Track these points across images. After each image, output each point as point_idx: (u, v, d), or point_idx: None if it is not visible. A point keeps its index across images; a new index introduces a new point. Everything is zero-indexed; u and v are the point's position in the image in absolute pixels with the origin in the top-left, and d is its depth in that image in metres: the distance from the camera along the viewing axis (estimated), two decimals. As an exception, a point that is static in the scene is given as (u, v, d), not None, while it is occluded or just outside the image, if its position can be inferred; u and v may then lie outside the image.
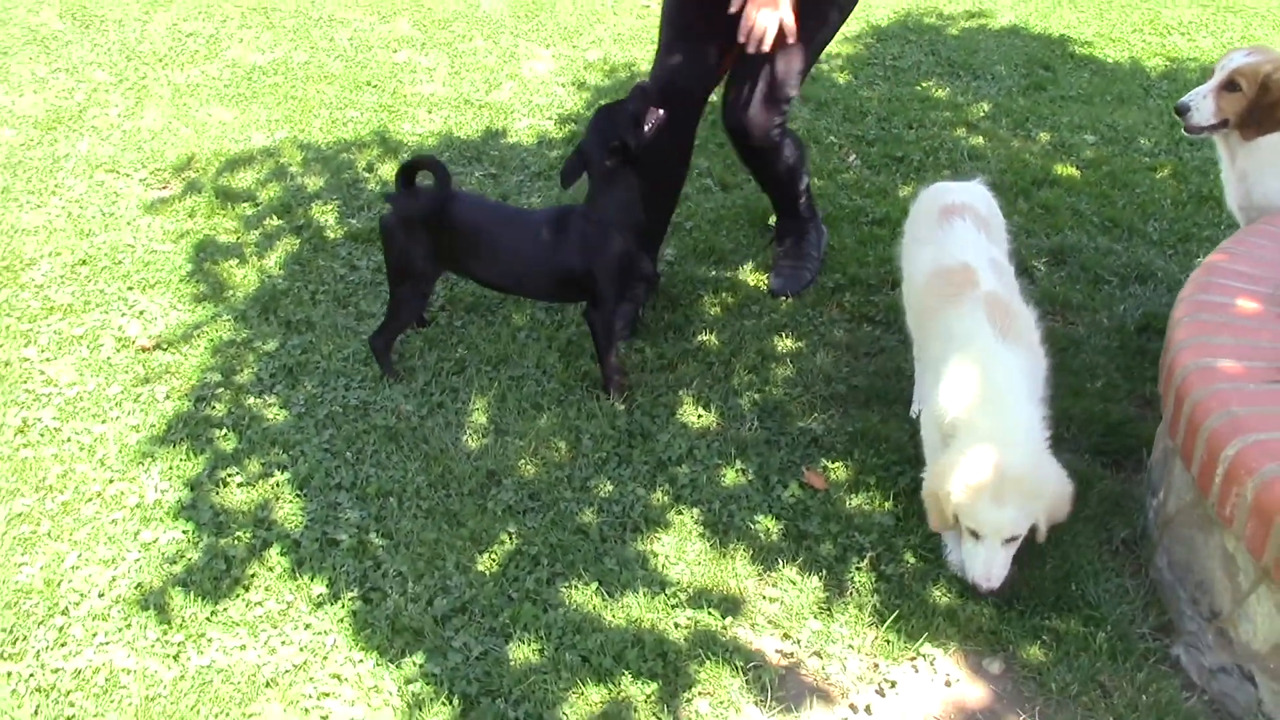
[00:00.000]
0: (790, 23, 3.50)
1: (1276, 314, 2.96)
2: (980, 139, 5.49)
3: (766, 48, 3.50)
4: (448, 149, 5.32)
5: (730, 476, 3.34)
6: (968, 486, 2.71)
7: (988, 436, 2.74)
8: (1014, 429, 2.77)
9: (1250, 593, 2.57)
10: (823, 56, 6.36)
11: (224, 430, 3.55)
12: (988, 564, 2.75)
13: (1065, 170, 5.18)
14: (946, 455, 2.81)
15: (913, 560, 3.04)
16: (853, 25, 6.92)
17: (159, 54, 6.45)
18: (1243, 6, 7.32)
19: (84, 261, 4.42)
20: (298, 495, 3.29)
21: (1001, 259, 3.20)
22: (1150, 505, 3.10)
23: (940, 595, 2.93)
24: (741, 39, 3.50)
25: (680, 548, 3.09)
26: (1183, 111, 3.63)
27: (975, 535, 2.75)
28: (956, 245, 3.14)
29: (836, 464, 3.39)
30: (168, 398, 3.70)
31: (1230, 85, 3.55)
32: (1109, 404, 3.58)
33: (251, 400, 3.68)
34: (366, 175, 5.09)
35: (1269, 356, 2.80)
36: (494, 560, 3.04)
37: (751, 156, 4.01)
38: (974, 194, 3.38)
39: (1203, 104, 3.60)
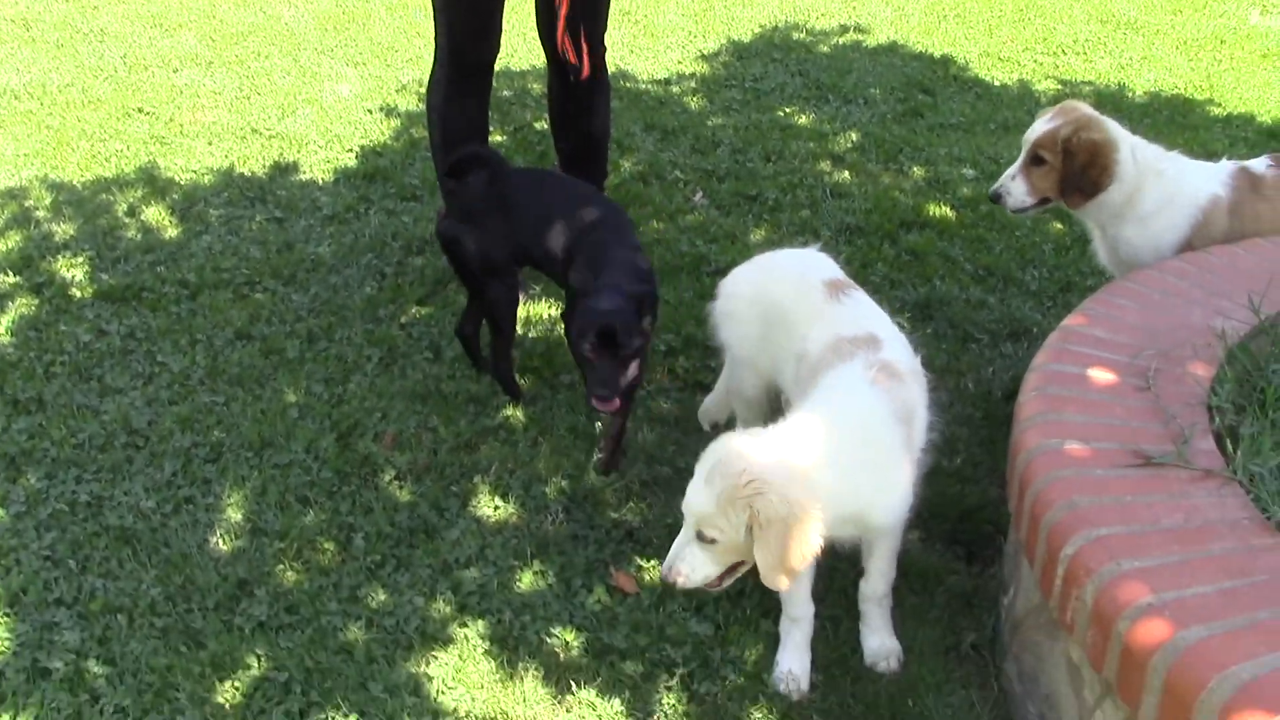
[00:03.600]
0: None
1: (1133, 386, 3.02)
2: (846, 174, 5.58)
3: None
4: (227, 188, 5.24)
5: (527, 580, 3.30)
6: (705, 456, 2.74)
7: (781, 436, 2.74)
8: (810, 448, 2.70)
9: (1096, 709, 2.59)
10: (673, 77, 6.45)
11: (-76, 535, 3.41)
12: (673, 551, 2.77)
13: (939, 210, 5.27)
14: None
15: (731, 677, 3.02)
16: (710, 41, 7.02)
17: (-110, 74, 6.28)
18: (1144, 24, 7.58)
19: None
20: (6, 614, 3.16)
21: (908, 345, 3.14)
22: (1002, 605, 3.14)
23: (760, 717, 2.91)
24: None
25: (461, 669, 3.03)
26: (996, 199, 3.79)
27: None
28: (861, 318, 3.11)
29: (652, 562, 3.36)
30: None
31: (1035, 160, 3.72)
32: (966, 485, 3.63)
33: (-39, 498, 3.55)
34: (127, 221, 4.98)
35: (1120, 436, 2.84)
36: (237, 689, 2.95)
37: (582, 103, 4.50)
38: (833, 264, 3.37)
39: (1014, 186, 3.78)
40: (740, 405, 3.53)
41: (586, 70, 4.26)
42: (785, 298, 3.25)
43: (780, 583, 2.66)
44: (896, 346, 3.02)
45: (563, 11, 4.10)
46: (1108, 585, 2.45)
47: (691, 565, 2.74)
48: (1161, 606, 2.37)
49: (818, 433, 2.74)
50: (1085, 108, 3.77)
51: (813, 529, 2.61)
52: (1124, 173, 3.68)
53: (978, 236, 5.07)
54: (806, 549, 2.61)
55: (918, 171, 5.62)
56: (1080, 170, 3.66)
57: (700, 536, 2.70)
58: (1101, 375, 3.06)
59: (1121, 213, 3.72)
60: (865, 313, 3.14)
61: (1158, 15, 7.68)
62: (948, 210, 5.28)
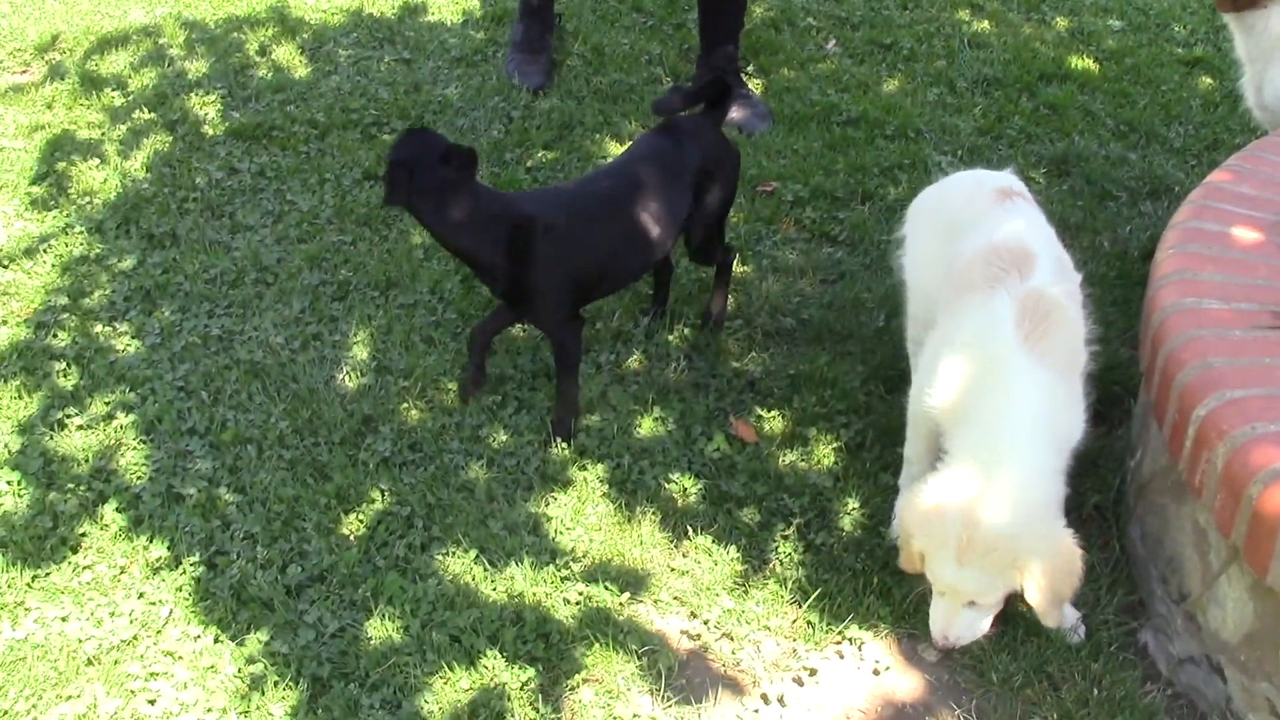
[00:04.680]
0: None
1: (1278, 245, 2.91)
2: (986, 23, 5.40)
3: None
4: (356, 28, 5.24)
5: (646, 426, 3.32)
6: (930, 535, 2.56)
7: (974, 477, 2.55)
8: (1008, 474, 2.54)
9: (1221, 574, 2.55)
10: (808, -79, 6.26)
11: (65, 363, 3.52)
12: (943, 623, 2.62)
13: (1081, 63, 5.10)
14: (930, 482, 2.63)
15: (847, 528, 3.03)
16: (849, -117, 6.79)
17: (28, -91, 6.32)
18: None
19: (-81, 159, 4.38)
20: (143, 441, 3.27)
21: (1065, 258, 2.90)
22: (1128, 466, 3.09)
23: (874, 569, 2.91)
24: None
25: (579, 510, 3.08)
26: None
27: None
28: (1019, 225, 2.87)
29: (772, 413, 3.36)
30: (4, 323, 3.67)
31: None
32: (1097, 344, 3.54)
33: (100, 328, 3.65)
34: (258, 60, 5.00)
35: (1262, 297, 2.76)
36: (361, 521, 3.03)
37: None
38: (1019, 184, 3.09)
39: None
40: (911, 344, 3.21)
41: None
42: (957, 206, 3.03)
43: (1058, 618, 2.62)
44: (1048, 266, 2.75)
45: None
46: (1240, 448, 2.40)
47: (969, 631, 2.63)
48: (1296, 472, 2.32)
49: (1004, 441, 2.58)
50: None
51: (1076, 552, 2.53)
52: None
53: (1121, 90, 4.90)
54: (1077, 575, 2.55)
55: (1061, 22, 5.42)
56: None
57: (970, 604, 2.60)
58: (1245, 234, 2.95)
59: (1274, 50, 3.54)
60: (1026, 222, 2.89)
61: None
62: (1090, 63, 5.10)
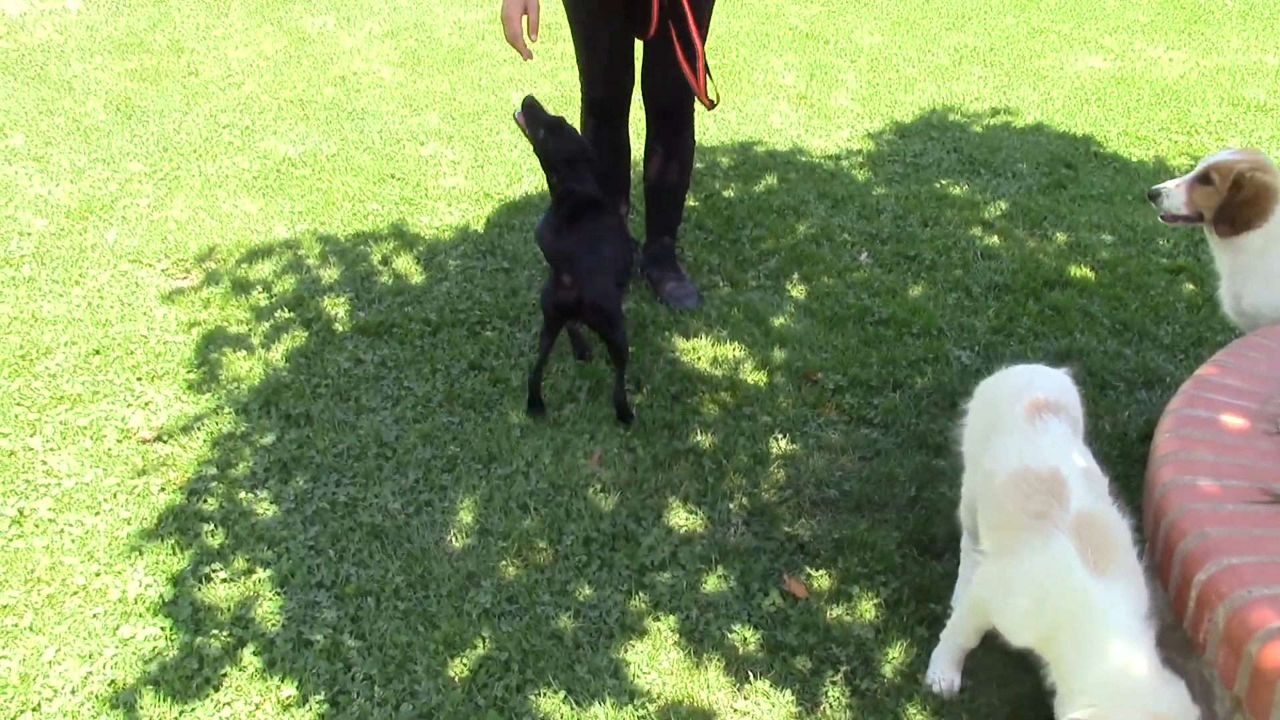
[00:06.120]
0: None
1: (1262, 430, 2.90)
2: (996, 238, 5.47)
3: None
4: (463, 242, 5.38)
5: (711, 583, 3.30)
6: None
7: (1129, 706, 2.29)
8: (1138, 679, 2.31)
9: (1225, 722, 2.49)
10: (842, 153, 6.42)
11: (213, 525, 3.56)
12: None
13: (1079, 271, 5.14)
14: None
15: (889, 675, 2.98)
16: (876, 121, 6.96)
17: (194, 145, 6.59)
18: (1273, 106, 7.27)
19: (97, 351, 4.49)
20: (278, 593, 3.29)
21: (1093, 466, 2.70)
22: (1136, 623, 3.03)
23: (915, 714, 2.86)
24: None
25: (654, 656, 3.05)
26: (1154, 198, 3.69)
27: None
28: (1047, 447, 2.68)
29: (820, 572, 3.34)
30: (162, 490, 3.72)
31: (1204, 179, 3.60)
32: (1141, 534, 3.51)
33: (243, 495, 3.70)
34: (380, 269, 5.15)
35: (1250, 475, 2.73)
36: (465, 665, 3.02)
37: (671, 135, 4.73)
38: (1063, 387, 2.95)
39: (1175, 193, 3.65)
40: (965, 511, 3.14)
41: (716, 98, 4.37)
42: (999, 407, 2.91)
43: None
44: (1079, 483, 2.56)
45: (700, 50, 4.21)
46: (1239, 609, 2.36)
47: None
48: (1290, 631, 2.27)
49: (1128, 668, 2.33)
50: (1265, 156, 3.65)
51: None
52: (1273, 225, 3.54)
53: (1115, 295, 4.92)
54: None
55: (1060, 237, 5.48)
56: (1240, 204, 3.53)
57: None
58: (1233, 420, 2.95)
59: (1252, 264, 3.58)
60: (1054, 441, 2.70)
61: (1284, 100, 7.39)
62: (1088, 271, 5.14)
